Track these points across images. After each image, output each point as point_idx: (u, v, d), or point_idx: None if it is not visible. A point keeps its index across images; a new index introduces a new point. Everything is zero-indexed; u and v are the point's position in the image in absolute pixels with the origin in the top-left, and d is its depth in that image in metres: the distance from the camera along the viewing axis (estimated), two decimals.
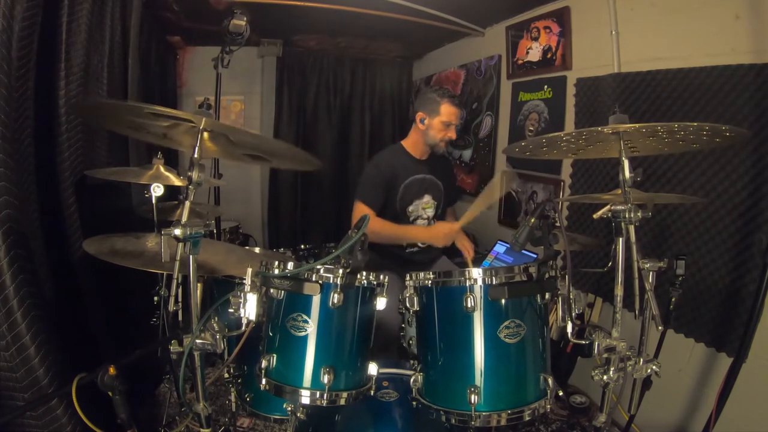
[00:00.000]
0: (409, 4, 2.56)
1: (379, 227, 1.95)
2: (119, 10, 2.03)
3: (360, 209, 1.99)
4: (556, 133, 1.09)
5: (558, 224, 1.13)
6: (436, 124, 2.03)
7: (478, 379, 1.01)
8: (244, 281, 1.02)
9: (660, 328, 1.03)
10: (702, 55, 1.68)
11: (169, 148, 1.30)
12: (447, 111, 2.01)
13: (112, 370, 0.83)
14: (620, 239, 1.05)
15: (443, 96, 2.01)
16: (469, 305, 1.02)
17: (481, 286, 1.03)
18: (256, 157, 1.19)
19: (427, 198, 2.15)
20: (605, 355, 1.05)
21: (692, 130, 0.99)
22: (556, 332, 1.08)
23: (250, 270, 1.03)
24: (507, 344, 1.02)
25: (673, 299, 1.41)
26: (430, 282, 1.11)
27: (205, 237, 1.03)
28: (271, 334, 1.08)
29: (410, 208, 2.11)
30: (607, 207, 1.10)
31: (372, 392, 1.14)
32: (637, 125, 0.98)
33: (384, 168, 2.06)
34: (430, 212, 2.17)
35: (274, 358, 1.05)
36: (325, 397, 1.02)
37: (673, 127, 0.98)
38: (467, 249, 2.07)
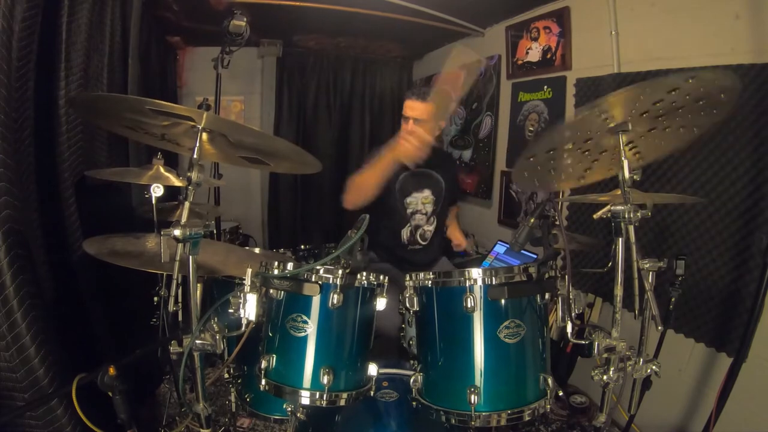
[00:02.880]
0: (409, 5, 2.56)
1: (356, 178, 1.88)
2: (119, 10, 2.03)
3: (351, 179, 1.91)
4: (556, 131, 1.07)
5: (558, 224, 1.13)
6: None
7: (478, 379, 1.01)
8: (243, 282, 1.02)
9: (660, 328, 1.03)
10: (702, 55, 1.68)
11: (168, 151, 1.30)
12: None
13: (112, 370, 0.83)
14: (620, 239, 1.05)
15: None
16: (468, 305, 1.02)
17: (480, 286, 1.03)
18: (254, 160, 1.18)
19: (426, 192, 2.15)
20: (605, 355, 1.05)
21: (687, 87, 0.89)
22: (556, 332, 1.08)
23: (249, 270, 1.03)
24: (507, 344, 1.02)
25: (673, 299, 1.41)
26: (430, 282, 1.11)
27: (205, 237, 1.03)
28: (270, 334, 1.08)
29: (408, 200, 2.11)
30: (607, 207, 1.09)
31: (372, 393, 1.15)
32: (628, 88, 0.89)
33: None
34: (429, 207, 2.18)
35: (274, 358, 1.05)
36: (324, 398, 1.02)
37: (665, 84, 0.89)
38: (459, 239, 2.09)
